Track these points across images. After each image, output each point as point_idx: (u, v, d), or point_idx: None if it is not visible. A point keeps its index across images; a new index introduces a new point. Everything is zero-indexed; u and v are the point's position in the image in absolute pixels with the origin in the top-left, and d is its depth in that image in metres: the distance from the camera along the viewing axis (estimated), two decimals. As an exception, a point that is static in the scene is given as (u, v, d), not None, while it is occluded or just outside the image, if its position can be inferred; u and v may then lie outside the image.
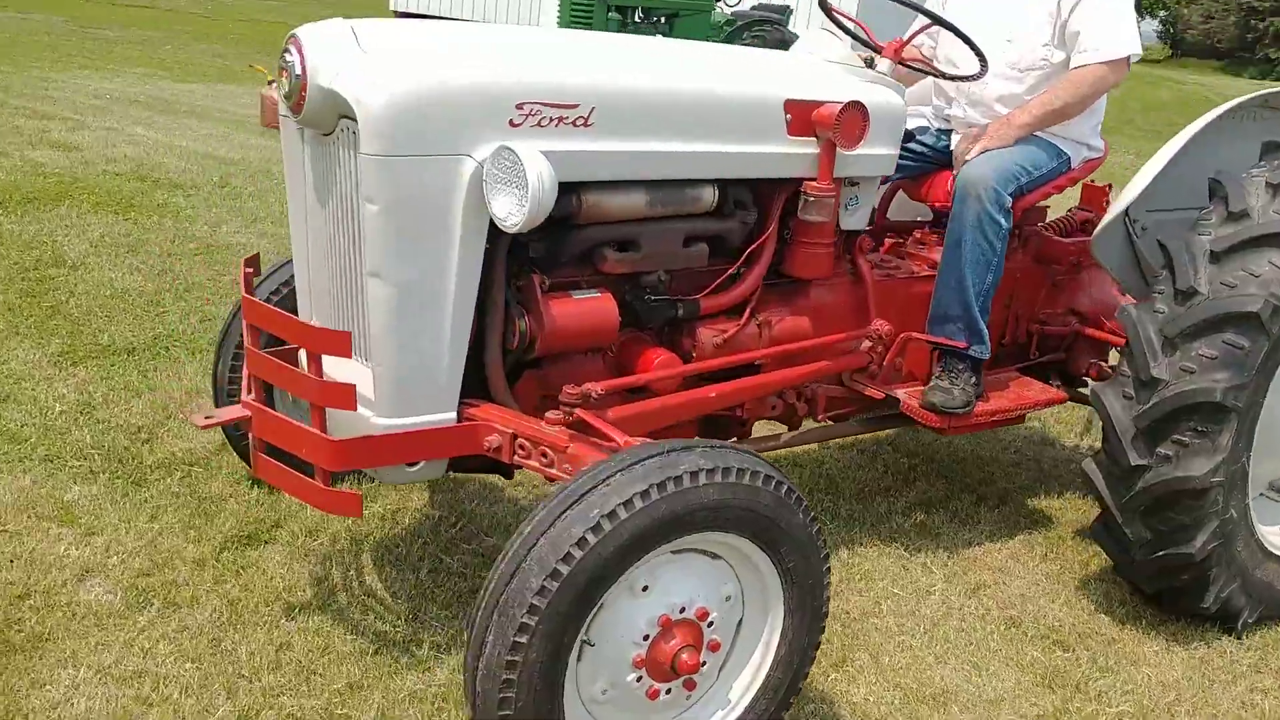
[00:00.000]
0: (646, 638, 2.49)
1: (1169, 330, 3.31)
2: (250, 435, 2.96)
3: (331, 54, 2.68)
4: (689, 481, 2.37)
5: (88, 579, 3.32)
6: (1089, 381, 4.31)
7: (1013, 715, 3.15)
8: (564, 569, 2.26)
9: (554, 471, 2.78)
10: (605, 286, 3.12)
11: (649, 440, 2.61)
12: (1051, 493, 4.65)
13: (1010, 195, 3.62)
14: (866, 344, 3.62)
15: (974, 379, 3.77)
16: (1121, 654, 3.50)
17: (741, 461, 2.48)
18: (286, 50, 2.71)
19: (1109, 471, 3.49)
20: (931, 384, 3.74)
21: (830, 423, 3.87)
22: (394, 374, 2.77)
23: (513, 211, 2.61)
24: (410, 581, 3.48)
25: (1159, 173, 3.63)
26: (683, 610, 2.53)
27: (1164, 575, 3.51)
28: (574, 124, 2.80)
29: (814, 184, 3.29)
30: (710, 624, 2.58)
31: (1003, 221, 3.59)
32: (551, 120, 2.77)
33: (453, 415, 2.88)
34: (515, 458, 2.85)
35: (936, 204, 3.96)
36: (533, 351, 2.99)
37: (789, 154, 3.24)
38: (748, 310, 3.39)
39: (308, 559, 3.54)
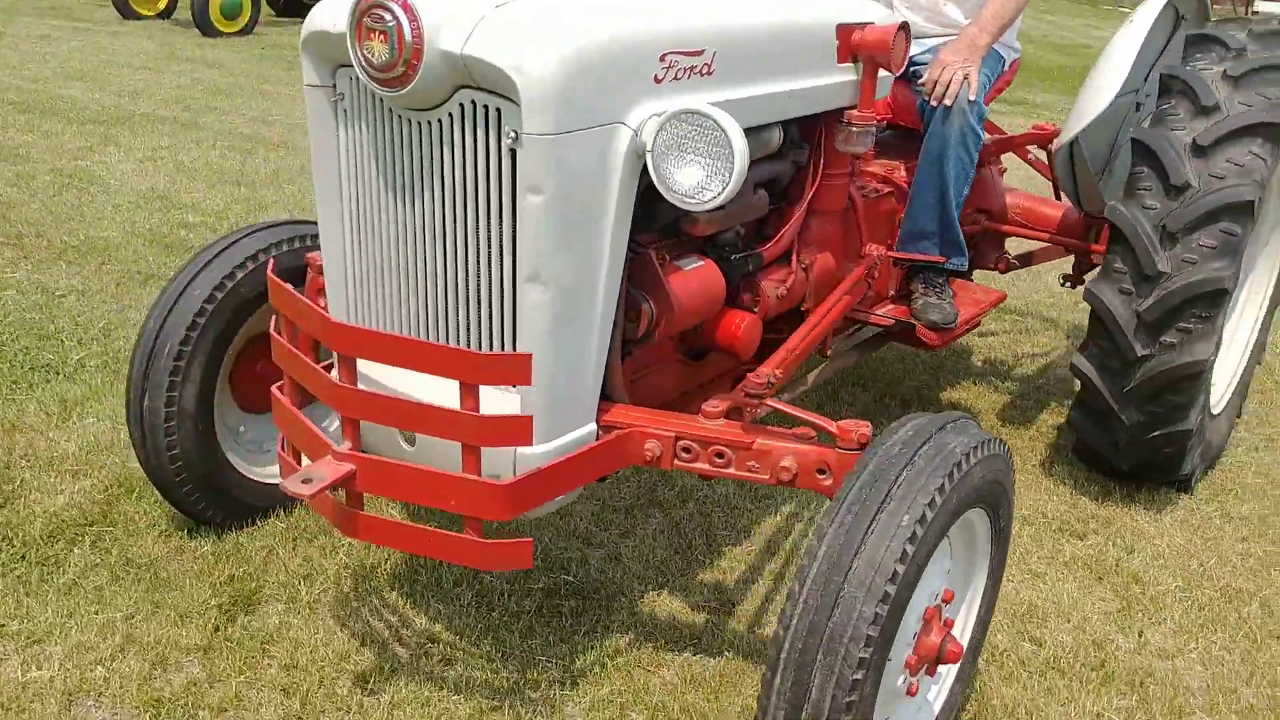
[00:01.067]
0: (914, 635, 2.31)
1: (1169, 224, 3.46)
2: (341, 491, 2.36)
3: (452, 11, 2.12)
4: (966, 465, 2.19)
5: (79, 705, 2.58)
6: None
7: (1101, 615, 3.27)
8: (892, 590, 2.01)
9: (735, 472, 2.46)
10: (697, 252, 2.78)
11: (863, 421, 2.38)
12: (983, 398, 4.84)
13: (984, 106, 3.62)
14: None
15: (951, 291, 3.79)
16: (1128, 532, 3.73)
17: (983, 432, 2.32)
18: (379, 7, 2.10)
19: (1105, 365, 3.64)
20: (921, 302, 3.71)
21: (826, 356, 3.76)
22: (550, 391, 2.31)
23: (706, 185, 2.21)
24: (462, 611, 3.01)
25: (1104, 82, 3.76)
26: (936, 597, 2.36)
27: (1151, 452, 3.76)
28: (700, 73, 2.42)
29: (855, 113, 3.09)
30: (949, 604, 2.43)
31: (981, 133, 3.59)
32: (685, 71, 2.38)
33: (594, 427, 2.47)
34: (675, 463, 2.50)
35: (904, 121, 3.88)
36: (652, 337, 2.62)
37: (840, 83, 3.00)
38: (793, 255, 3.17)
39: (329, 612, 2.96)
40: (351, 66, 2.25)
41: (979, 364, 5.15)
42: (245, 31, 13.94)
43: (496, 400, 2.31)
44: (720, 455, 2.47)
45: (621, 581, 3.20)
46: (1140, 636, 3.18)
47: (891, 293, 3.84)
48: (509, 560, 2.34)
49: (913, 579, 2.06)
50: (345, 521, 2.37)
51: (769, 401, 2.54)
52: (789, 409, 2.52)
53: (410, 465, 2.29)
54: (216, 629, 2.87)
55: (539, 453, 2.33)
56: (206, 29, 13.44)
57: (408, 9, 2.08)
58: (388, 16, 2.09)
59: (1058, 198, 4.58)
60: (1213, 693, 2.97)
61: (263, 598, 3.01)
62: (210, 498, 3.14)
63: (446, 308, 2.37)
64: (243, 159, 7.71)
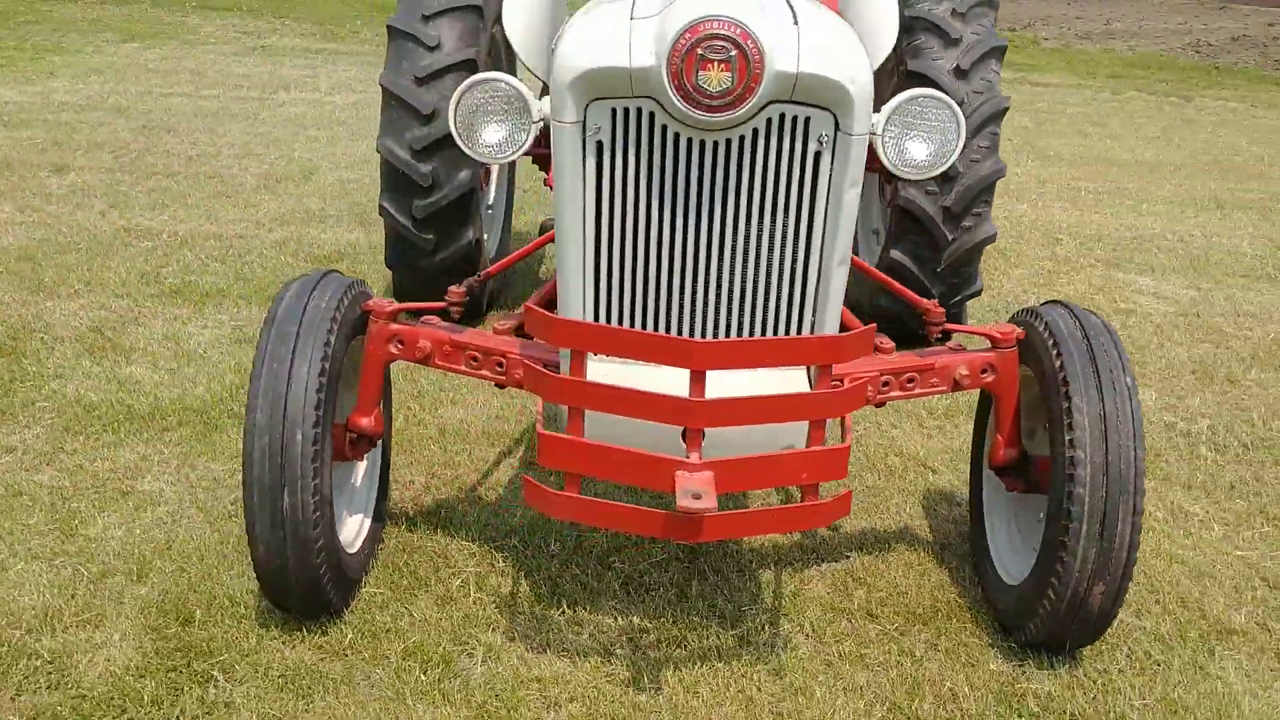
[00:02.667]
0: None
1: None
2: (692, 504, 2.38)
3: (772, 34, 2.33)
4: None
5: None
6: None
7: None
8: None
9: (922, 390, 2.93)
10: None
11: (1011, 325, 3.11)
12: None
13: None
14: None
15: None
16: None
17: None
18: (717, 39, 2.27)
19: (919, 254, 4.62)
20: None
21: None
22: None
23: (928, 155, 2.64)
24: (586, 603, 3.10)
25: None
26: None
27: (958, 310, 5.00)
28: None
29: None
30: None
31: None
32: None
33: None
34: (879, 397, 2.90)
35: None
36: None
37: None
38: None
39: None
40: (606, 101, 2.41)
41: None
42: None
43: (786, 378, 2.62)
44: (910, 380, 2.87)
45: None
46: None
47: None
48: (841, 511, 2.60)
49: None
50: (692, 528, 2.45)
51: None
52: (960, 328, 3.10)
53: (757, 457, 2.48)
54: None
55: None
56: None
57: (747, 37, 2.26)
58: (728, 45, 2.26)
59: None
60: None
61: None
62: (337, 583, 2.87)
63: (744, 304, 2.60)
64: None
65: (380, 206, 4.65)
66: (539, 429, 2.57)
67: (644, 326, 2.62)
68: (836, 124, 2.41)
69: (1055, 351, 2.83)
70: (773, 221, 2.49)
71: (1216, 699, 2.87)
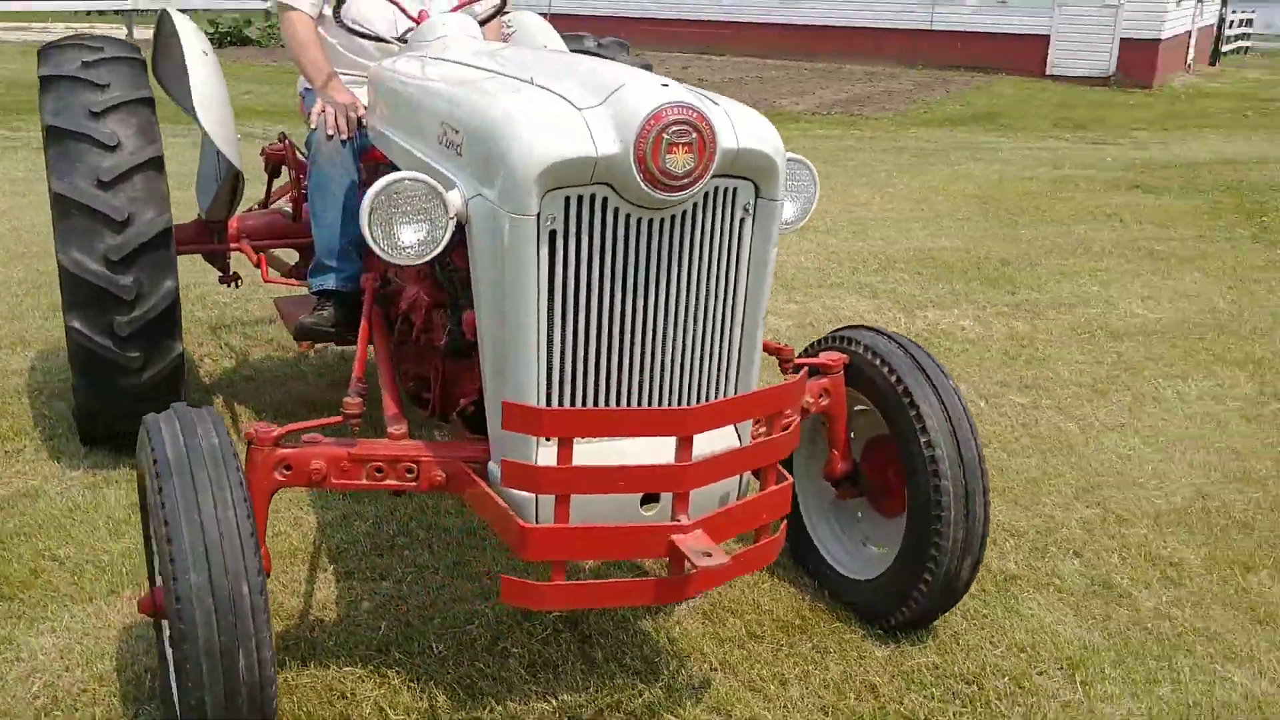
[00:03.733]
0: None
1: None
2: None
3: (713, 114, 2.48)
4: None
5: None
6: None
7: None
8: None
9: None
10: None
11: None
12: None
13: None
14: None
15: None
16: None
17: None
18: (683, 124, 2.39)
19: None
20: None
21: None
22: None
23: (793, 214, 3.03)
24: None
25: None
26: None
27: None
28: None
29: None
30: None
31: None
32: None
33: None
34: None
35: None
36: None
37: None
38: None
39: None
40: (561, 190, 2.43)
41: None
42: None
43: (725, 433, 2.68)
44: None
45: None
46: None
47: None
48: (781, 541, 2.83)
49: None
50: (680, 587, 2.59)
51: None
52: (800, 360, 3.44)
53: (735, 506, 2.70)
54: None
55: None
56: None
57: (703, 119, 2.40)
58: (689, 129, 2.38)
59: None
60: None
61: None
62: None
63: (685, 365, 2.67)
64: None
65: (68, 327, 4.10)
66: (518, 524, 2.53)
67: (595, 403, 2.65)
68: (757, 191, 2.62)
69: (887, 369, 3.26)
70: (709, 286, 2.64)
71: (1034, 629, 3.48)
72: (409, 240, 2.58)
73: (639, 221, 2.52)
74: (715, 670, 3.22)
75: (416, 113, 3.13)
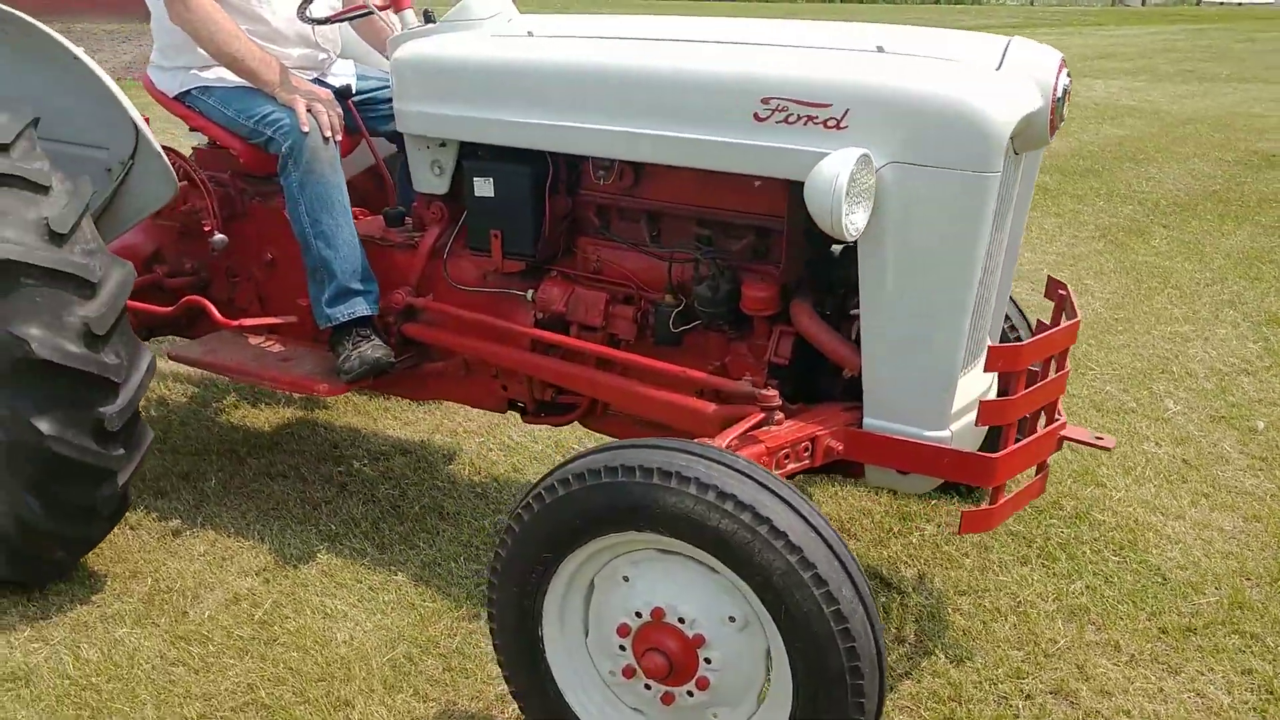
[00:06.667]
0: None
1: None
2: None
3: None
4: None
5: None
6: None
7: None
8: None
9: None
10: None
11: None
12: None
13: None
14: None
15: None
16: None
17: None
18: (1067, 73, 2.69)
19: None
20: None
21: None
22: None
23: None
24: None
25: None
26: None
27: None
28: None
29: None
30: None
31: None
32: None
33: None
34: None
35: None
36: None
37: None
38: None
39: None
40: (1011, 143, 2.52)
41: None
42: None
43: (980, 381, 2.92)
44: None
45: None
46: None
47: None
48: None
49: None
50: (982, 518, 2.68)
51: None
52: None
53: (1043, 434, 2.78)
54: None
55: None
56: None
57: (1063, 70, 2.69)
58: (1062, 78, 2.68)
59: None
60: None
61: None
62: None
63: (994, 307, 2.94)
64: None
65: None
66: (986, 458, 2.63)
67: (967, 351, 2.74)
68: None
69: None
70: (1017, 228, 2.91)
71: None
72: (861, 222, 2.48)
73: (1017, 168, 2.71)
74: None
75: (691, 94, 2.71)
